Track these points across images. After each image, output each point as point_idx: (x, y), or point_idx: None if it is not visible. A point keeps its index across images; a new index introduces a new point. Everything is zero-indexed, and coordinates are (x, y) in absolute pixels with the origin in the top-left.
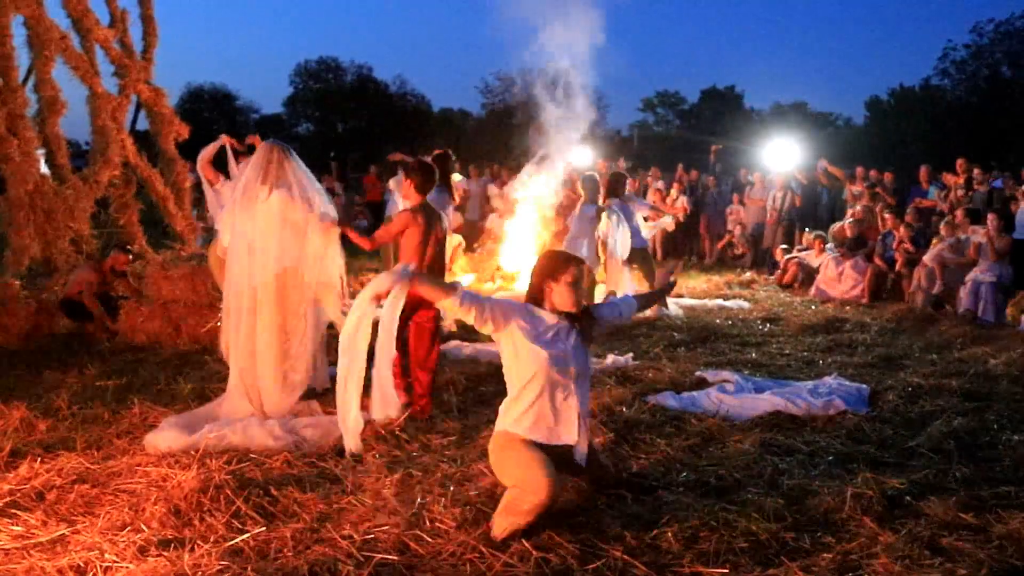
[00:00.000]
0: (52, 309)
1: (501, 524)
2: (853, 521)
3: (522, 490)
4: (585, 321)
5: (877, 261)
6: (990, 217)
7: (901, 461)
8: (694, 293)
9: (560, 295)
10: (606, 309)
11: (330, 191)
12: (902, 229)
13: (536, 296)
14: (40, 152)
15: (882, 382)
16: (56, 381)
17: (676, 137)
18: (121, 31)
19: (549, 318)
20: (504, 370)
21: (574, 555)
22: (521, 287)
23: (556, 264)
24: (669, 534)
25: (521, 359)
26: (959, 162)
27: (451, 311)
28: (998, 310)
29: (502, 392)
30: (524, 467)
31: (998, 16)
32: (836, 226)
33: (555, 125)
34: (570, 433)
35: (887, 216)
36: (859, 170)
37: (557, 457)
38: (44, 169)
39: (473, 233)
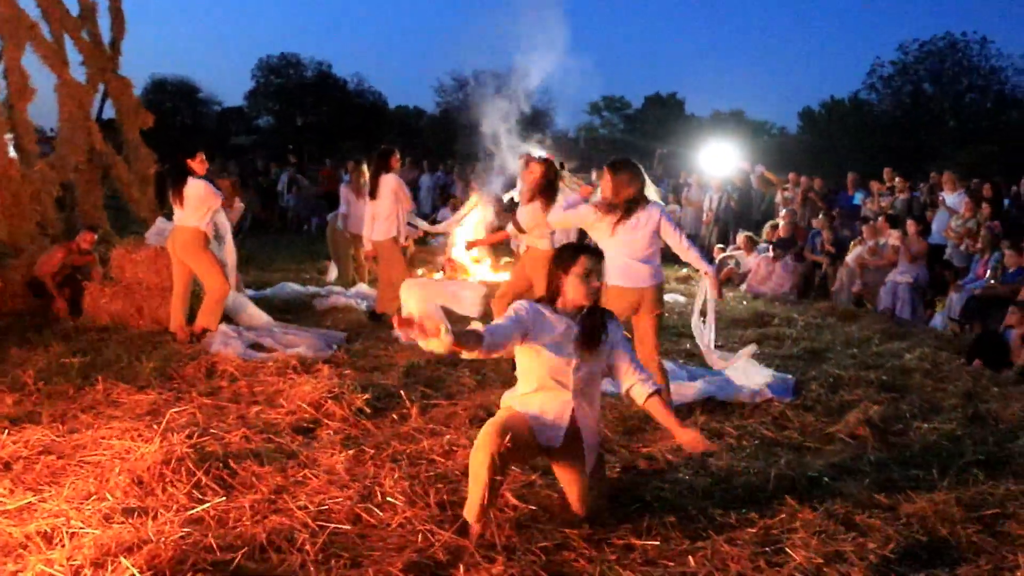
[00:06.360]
0: (18, 289)
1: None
2: (776, 499)
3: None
4: (595, 320)
5: (810, 256)
6: (909, 223)
7: (821, 446)
8: None
9: (573, 288)
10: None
11: (294, 182)
12: (825, 232)
13: (553, 292)
14: (8, 137)
15: (806, 373)
16: (22, 358)
17: (621, 140)
18: (90, 22)
19: (556, 321)
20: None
21: (514, 528)
22: (473, 277)
23: (564, 259)
24: (604, 509)
25: (524, 352)
26: (886, 171)
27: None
28: (913, 309)
29: (454, 373)
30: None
31: (922, 36)
32: (768, 227)
33: (504, 125)
34: (556, 437)
35: (818, 219)
36: (792, 176)
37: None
38: (12, 153)
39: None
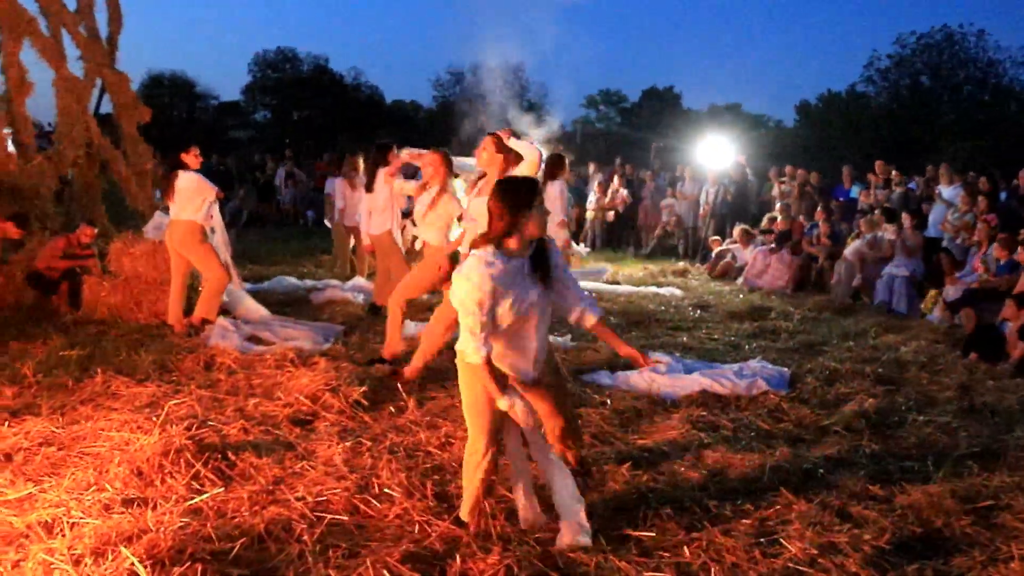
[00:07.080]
0: (17, 282)
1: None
2: (771, 491)
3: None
4: (545, 247)
5: (808, 248)
6: (905, 216)
7: (816, 438)
8: (630, 280)
9: (536, 222)
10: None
11: (291, 176)
12: (822, 225)
13: (507, 232)
14: (7, 131)
15: (802, 366)
16: (21, 351)
17: (617, 134)
18: (87, 17)
19: (511, 266)
20: None
21: (510, 518)
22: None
23: (526, 192)
24: (600, 501)
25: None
26: (878, 164)
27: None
28: (910, 302)
29: (450, 366)
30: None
31: (920, 29)
32: (767, 219)
33: (501, 117)
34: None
35: (817, 211)
36: (788, 169)
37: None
38: (10, 148)
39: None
